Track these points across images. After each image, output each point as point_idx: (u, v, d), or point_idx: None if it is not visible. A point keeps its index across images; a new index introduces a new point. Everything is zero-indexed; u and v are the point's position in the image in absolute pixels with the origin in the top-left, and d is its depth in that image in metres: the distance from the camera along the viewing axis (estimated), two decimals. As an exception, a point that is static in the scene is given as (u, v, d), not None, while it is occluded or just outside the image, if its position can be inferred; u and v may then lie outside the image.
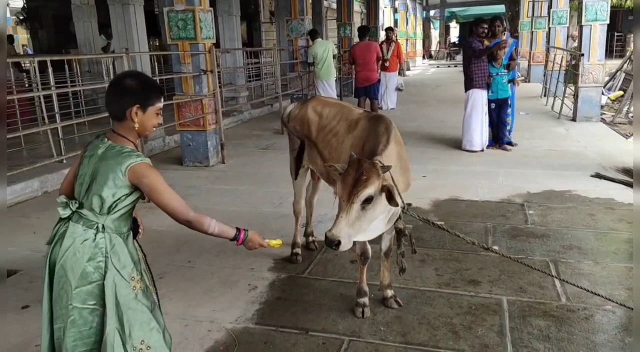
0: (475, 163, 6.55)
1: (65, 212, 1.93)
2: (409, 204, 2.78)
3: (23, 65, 11.51)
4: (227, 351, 2.74)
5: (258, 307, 3.19)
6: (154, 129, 2.05)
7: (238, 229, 2.06)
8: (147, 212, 5.20)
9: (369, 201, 2.39)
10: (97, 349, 1.93)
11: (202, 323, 3.02)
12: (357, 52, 9.31)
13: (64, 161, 6.52)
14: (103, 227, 1.90)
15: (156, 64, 9.21)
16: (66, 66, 9.00)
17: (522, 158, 6.70)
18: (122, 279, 1.91)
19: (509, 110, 7.30)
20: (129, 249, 1.97)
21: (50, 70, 6.45)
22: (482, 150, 7.14)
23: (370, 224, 2.51)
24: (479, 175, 5.96)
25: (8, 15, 23.95)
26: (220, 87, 7.65)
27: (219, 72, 7.69)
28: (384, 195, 2.43)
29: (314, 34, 9.89)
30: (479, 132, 7.10)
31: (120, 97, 1.94)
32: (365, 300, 3.05)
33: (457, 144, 7.42)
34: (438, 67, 26.76)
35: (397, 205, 2.45)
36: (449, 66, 26.55)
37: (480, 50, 6.78)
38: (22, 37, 25.82)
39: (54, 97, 6.55)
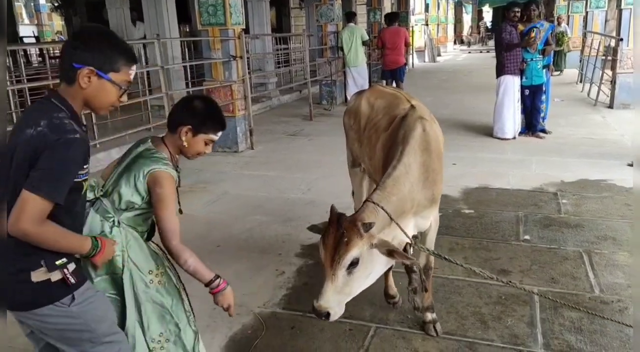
0: (507, 151, 6.41)
1: (89, 196, 1.90)
2: (415, 237, 2.48)
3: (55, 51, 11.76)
4: (255, 335, 2.78)
5: (285, 292, 3.22)
6: (198, 155, 2.04)
7: (217, 276, 1.96)
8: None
9: (354, 264, 2.13)
10: None
11: (230, 307, 3.05)
12: (387, 36, 9.51)
13: (97, 145, 6.66)
14: (119, 222, 1.89)
15: (186, 50, 9.28)
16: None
17: (557, 146, 6.53)
18: (139, 274, 1.91)
19: (544, 97, 7.11)
20: (147, 244, 1.97)
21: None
22: (514, 137, 6.99)
23: (365, 279, 2.25)
24: (511, 163, 5.84)
25: (43, 2, 24.51)
26: (249, 73, 7.67)
27: (248, 58, 7.71)
28: (374, 252, 2.17)
29: (349, 17, 9.98)
30: (511, 119, 6.95)
31: (181, 111, 1.99)
32: (394, 300, 3.01)
33: (488, 132, 7.28)
34: (470, 52, 26.23)
35: (401, 258, 2.20)
36: (481, 52, 25.99)
37: (514, 44, 6.63)
38: (57, 24, 26.41)
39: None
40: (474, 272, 2.36)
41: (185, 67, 8.72)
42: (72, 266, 1.61)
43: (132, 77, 1.70)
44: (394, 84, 9.56)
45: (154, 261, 1.97)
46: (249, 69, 7.79)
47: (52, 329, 1.61)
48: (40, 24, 24.64)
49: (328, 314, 2.13)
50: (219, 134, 2.03)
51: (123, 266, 1.88)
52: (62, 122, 1.53)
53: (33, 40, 20.18)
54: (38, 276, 1.53)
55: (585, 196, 4.67)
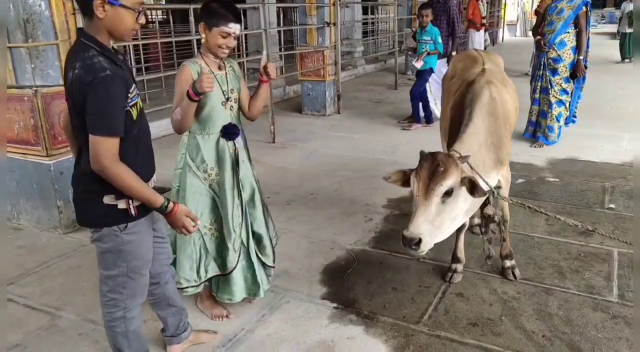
0: (597, 126, 6.29)
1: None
2: (498, 187, 2.52)
3: (156, 16, 12.60)
4: (347, 266, 3.13)
5: (374, 235, 3.55)
6: (221, 49, 2.26)
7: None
8: (273, 151, 5.76)
9: (449, 193, 2.15)
10: None
11: (325, 242, 3.44)
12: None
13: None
14: (190, 129, 2.36)
15: (283, 16, 9.68)
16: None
17: (653, 124, 6.31)
18: (194, 171, 2.37)
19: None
20: (213, 147, 2.37)
21: (191, 19, 7.11)
22: None
23: (452, 221, 2.27)
24: (601, 138, 5.76)
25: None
26: (341, 41, 7.93)
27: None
28: (464, 192, 2.20)
29: None
30: None
31: (200, 13, 2.28)
32: (458, 266, 2.94)
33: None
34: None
35: (482, 195, 2.20)
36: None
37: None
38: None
39: (194, 44, 7.23)
40: (557, 219, 2.49)
41: (278, 32, 9.14)
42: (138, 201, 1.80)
43: None
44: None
45: (216, 163, 2.39)
46: (339, 36, 8.04)
47: (100, 249, 1.86)
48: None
49: (419, 242, 2.10)
50: (231, 25, 2.21)
51: (183, 163, 2.38)
52: (92, 61, 1.63)
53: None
54: (109, 199, 1.75)
55: (679, 173, 4.58)
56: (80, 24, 3.40)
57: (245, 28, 8.89)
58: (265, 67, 2.37)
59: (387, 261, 3.18)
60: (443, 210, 2.18)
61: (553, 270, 3.02)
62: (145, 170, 1.87)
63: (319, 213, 3.93)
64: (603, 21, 25.52)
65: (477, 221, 3.50)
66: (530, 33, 19.74)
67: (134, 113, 1.76)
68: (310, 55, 7.18)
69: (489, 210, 2.60)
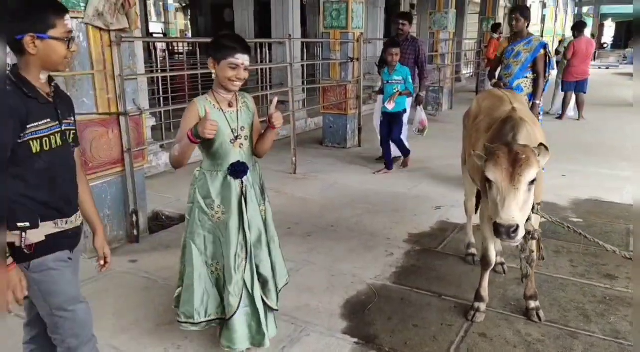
0: (620, 167, 6.24)
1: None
2: (538, 204, 2.53)
3: (179, 48, 12.97)
4: (368, 300, 3.12)
5: (395, 270, 3.54)
6: (232, 82, 2.21)
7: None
8: (294, 181, 5.81)
9: (532, 182, 2.18)
10: None
11: (345, 276, 3.43)
12: (582, 46, 9.69)
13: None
14: (201, 165, 2.38)
15: (306, 50, 9.90)
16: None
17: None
18: (203, 207, 2.33)
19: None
20: (220, 185, 2.33)
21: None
22: None
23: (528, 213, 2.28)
24: (625, 179, 5.71)
25: (171, 2, 26.73)
26: (364, 75, 8.06)
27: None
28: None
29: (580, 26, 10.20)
30: None
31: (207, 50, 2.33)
32: (481, 305, 2.91)
33: (604, 147, 7.08)
34: (586, 68, 24.93)
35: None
36: (599, 68, 24.59)
37: None
38: (180, 22, 28.68)
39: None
40: (597, 244, 2.43)
41: (302, 66, 9.34)
42: (35, 236, 1.65)
43: (69, 25, 1.73)
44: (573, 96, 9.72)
45: (222, 200, 2.33)
46: (361, 71, 8.18)
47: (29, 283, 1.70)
48: (167, 22, 26.87)
49: (517, 228, 2.13)
50: (238, 56, 2.17)
51: (193, 198, 2.36)
52: None
53: (161, 36, 22.17)
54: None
55: None
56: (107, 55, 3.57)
57: (270, 61, 9.11)
58: (270, 117, 2.34)
59: (408, 298, 3.16)
60: (529, 198, 2.23)
61: (578, 313, 2.97)
62: (60, 206, 1.79)
63: (339, 245, 3.94)
64: (625, 62, 25.51)
65: (499, 259, 3.48)
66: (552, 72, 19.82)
67: (35, 147, 1.68)
68: (332, 89, 7.31)
69: (529, 226, 2.57)
